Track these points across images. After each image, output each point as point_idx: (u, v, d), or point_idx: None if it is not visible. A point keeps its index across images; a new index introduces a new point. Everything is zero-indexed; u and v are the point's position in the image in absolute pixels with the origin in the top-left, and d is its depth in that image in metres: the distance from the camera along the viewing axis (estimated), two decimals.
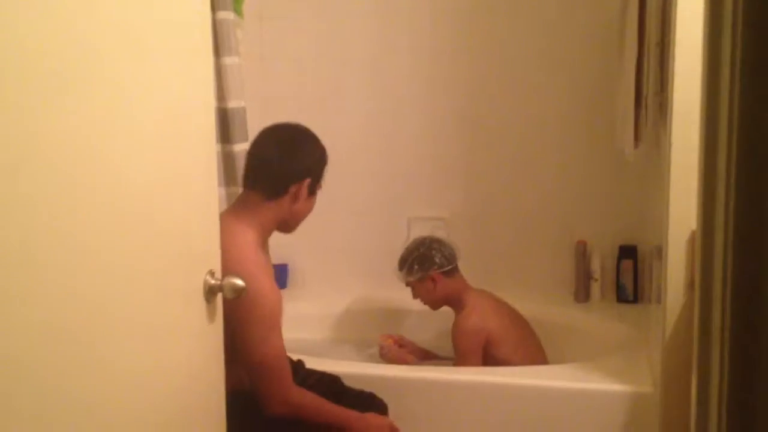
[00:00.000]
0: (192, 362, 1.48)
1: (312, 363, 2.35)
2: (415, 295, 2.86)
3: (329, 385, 2.23)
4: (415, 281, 2.80)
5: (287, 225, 2.11)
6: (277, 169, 2.05)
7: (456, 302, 2.79)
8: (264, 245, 2.08)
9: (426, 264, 2.78)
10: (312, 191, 2.09)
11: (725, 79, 0.70)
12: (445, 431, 2.46)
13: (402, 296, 3.30)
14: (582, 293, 3.17)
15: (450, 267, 2.79)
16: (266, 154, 2.08)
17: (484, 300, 2.78)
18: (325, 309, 3.20)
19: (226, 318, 1.86)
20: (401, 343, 2.96)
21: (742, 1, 0.65)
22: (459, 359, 2.69)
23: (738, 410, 0.69)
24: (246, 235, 1.99)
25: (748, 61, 0.65)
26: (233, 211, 2.07)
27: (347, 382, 2.31)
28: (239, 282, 1.54)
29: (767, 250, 0.65)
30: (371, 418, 2.10)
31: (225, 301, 1.83)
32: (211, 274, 1.52)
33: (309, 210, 2.12)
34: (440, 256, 2.79)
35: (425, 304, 2.85)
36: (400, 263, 2.84)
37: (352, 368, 2.50)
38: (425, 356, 2.98)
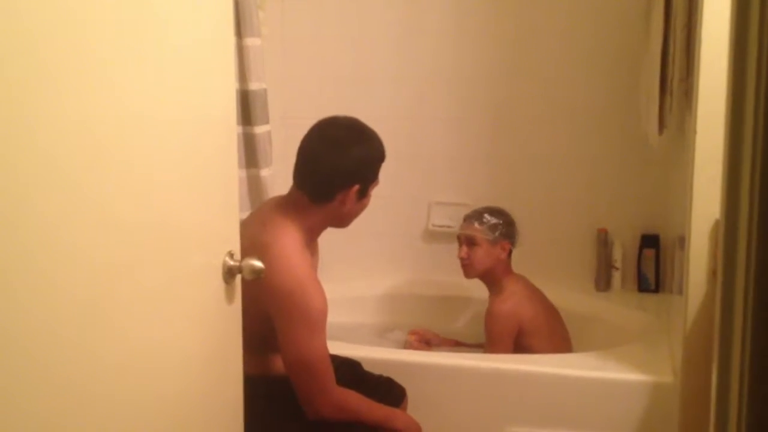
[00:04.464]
0: (209, 343, 1.48)
1: (332, 347, 2.36)
2: (471, 252, 2.74)
3: (349, 370, 2.23)
4: (486, 239, 2.72)
5: (340, 224, 2.08)
6: (323, 174, 1.99)
7: (496, 281, 2.76)
8: (310, 243, 2.05)
9: (509, 231, 2.75)
10: (363, 194, 2.02)
11: (752, 65, 0.68)
12: (463, 417, 2.46)
13: (419, 280, 3.31)
14: (603, 282, 3.15)
15: (514, 248, 2.78)
16: (313, 152, 2.01)
17: (522, 287, 2.76)
18: (345, 292, 3.20)
19: (264, 311, 1.88)
20: (427, 337, 2.94)
21: None
22: (489, 344, 2.69)
23: (759, 401, 0.68)
24: (293, 236, 1.96)
25: None
26: (282, 208, 2.03)
27: (366, 367, 2.31)
28: (258, 264, 1.53)
29: None
30: (408, 417, 2.09)
31: (269, 299, 1.86)
32: (230, 255, 1.52)
33: (362, 208, 2.06)
34: (518, 232, 2.79)
35: (468, 265, 2.75)
36: (477, 216, 2.76)
37: (372, 353, 2.50)
38: (453, 346, 2.97)
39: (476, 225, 2.74)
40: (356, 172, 1.99)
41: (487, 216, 2.75)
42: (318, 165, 2.00)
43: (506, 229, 2.74)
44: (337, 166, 1.98)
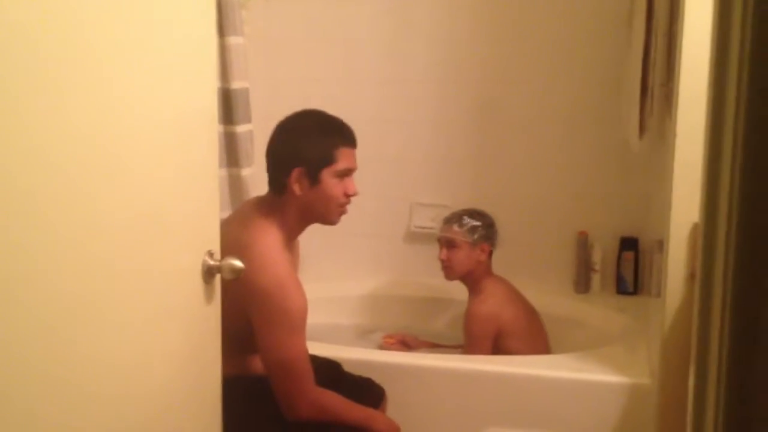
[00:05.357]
0: (188, 342, 1.48)
1: (312, 348, 2.35)
2: (449, 255, 2.74)
3: (329, 371, 2.22)
4: (466, 241, 2.72)
5: (319, 217, 2.05)
6: (271, 164, 2.03)
7: (476, 283, 2.76)
8: (289, 243, 2.04)
9: (488, 233, 2.75)
10: (314, 179, 1.98)
11: (733, 71, 0.69)
12: (442, 418, 2.46)
13: (398, 280, 3.31)
14: (582, 284, 3.17)
15: (494, 249, 2.79)
16: (268, 146, 2.06)
17: (502, 289, 2.77)
18: (326, 292, 3.20)
19: (243, 311, 1.87)
20: (404, 341, 2.94)
21: None
22: (468, 344, 2.69)
23: (735, 404, 0.69)
24: (273, 236, 1.96)
25: (756, 52, 0.64)
26: (261, 208, 2.03)
27: (347, 368, 2.30)
28: (238, 263, 1.53)
29: None
30: (387, 418, 2.09)
31: (248, 298, 1.85)
32: (210, 254, 1.52)
33: (328, 196, 2.00)
34: (498, 234, 2.79)
35: (448, 267, 2.76)
36: (457, 218, 2.76)
37: (352, 354, 2.50)
38: (431, 348, 2.97)
39: (456, 227, 2.74)
40: (296, 155, 1.98)
41: (466, 218, 2.75)
42: (268, 157, 2.04)
43: (486, 231, 2.75)
44: (280, 152, 2.01)
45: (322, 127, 2.04)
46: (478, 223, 2.74)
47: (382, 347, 2.92)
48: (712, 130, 0.73)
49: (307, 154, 1.98)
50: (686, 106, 1.97)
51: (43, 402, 1.05)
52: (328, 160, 1.99)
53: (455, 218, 2.77)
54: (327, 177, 2.00)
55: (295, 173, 1.97)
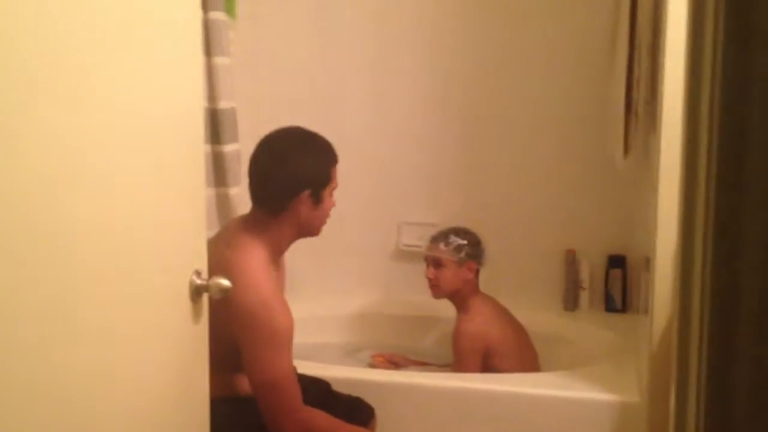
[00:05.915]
0: (175, 362, 1.47)
1: (300, 367, 2.34)
2: (435, 273, 2.74)
3: (317, 390, 2.22)
4: (452, 260, 2.72)
5: (308, 232, 2.07)
6: (274, 186, 2.00)
7: (463, 301, 2.76)
8: (276, 260, 2.05)
9: (474, 252, 2.75)
10: (317, 199, 2.01)
11: (706, 87, 0.70)
12: None
13: (386, 299, 3.31)
14: (570, 302, 3.17)
15: (481, 267, 2.79)
16: (261, 167, 2.03)
17: (489, 307, 2.77)
18: (314, 311, 3.19)
19: (229, 330, 1.86)
20: (393, 360, 2.94)
21: (723, 11, 0.65)
22: (457, 362, 2.69)
23: (716, 422, 0.69)
24: (259, 255, 1.95)
25: (726, 69, 0.65)
26: (246, 226, 2.02)
27: (335, 387, 2.29)
28: (225, 282, 1.53)
29: (744, 263, 0.65)
30: None
31: (234, 318, 1.85)
32: (198, 274, 1.51)
33: (325, 214, 2.05)
34: (484, 252, 2.79)
35: (435, 286, 2.76)
36: (443, 237, 2.76)
37: (340, 372, 2.49)
38: (421, 367, 2.96)
39: (442, 246, 2.75)
40: (303, 178, 1.99)
41: (452, 237, 2.76)
42: (267, 178, 2.01)
43: (472, 249, 2.75)
44: (284, 175, 1.99)
45: (318, 147, 2.05)
46: (464, 242, 2.74)
47: (371, 365, 2.91)
48: (688, 147, 0.74)
49: (312, 177, 2.01)
50: (670, 123, 1.99)
51: (26, 420, 1.04)
52: (328, 180, 2.04)
53: (441, 237, 2.77)
54: (326, 196, 2.04)
55: (304, 196, 1.99)
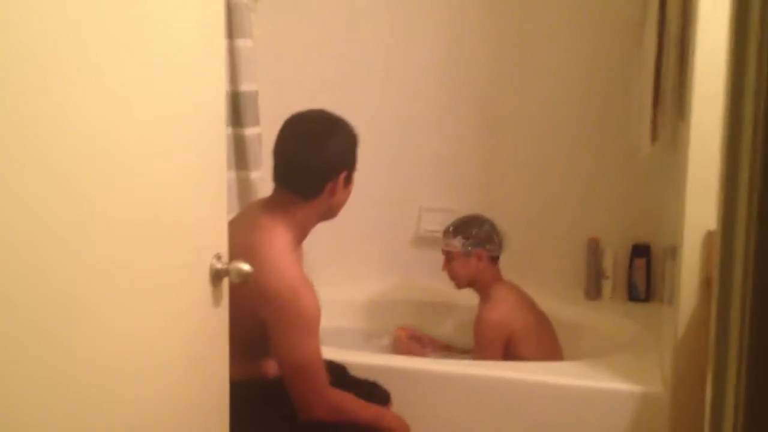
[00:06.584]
0: (196, 347, 1.46)
1: None
2: (449, 266, 2.76)
3: (334, 374, 2.21)
4: (460, 252, 2.73)
5: (330, 215, 2.08)
6: (310, 169, 1.99)
7: (484, 289, 2.75)
8: (299, 244, 2.05)
9: (482, 241, 2.73)
10: (349, 180, 2.04)
11: (751, 76, 0.67)
12: (449, 424, 2.44)
13: (405, 284, 3.29)
14: (593, 291, 3.14)
15: (497, 254, 2.76)
16: (294, 151, 2.01)
17: (512, 295, 2.75)
18: (333, 296, 3.18)
19: (254, 314, 1.87)
20: (416, 336, 2.93)
21: None
22: (477, 350, 2.67)
23: (755, 416, 0.67)
24: (284, 238, 1.95)
25: None
26: (269, 210, 2.01)
27: (352, 372, 2.29)
28: (246, 267, 1.52)
29: None
30: (397, 415, 2.10)
31: (261, 303, 1.87)
32: (218, 257, 1.50)
33: (348, 195, 2.08)
34: (497, 239, 2.76)
35: (453, 278, 2.77)
36: (454, 230, 2.76)
37: (357, 357, 2.48)
38: (443, 349, 2.95)
39: (448, 239, 2.76)
40: (341, 160, 2.01)
41: (456, 228, 2.76)
42: (302, 162, 1.99)
43: (478, 237, 2.73)
44: (322, 159, 1.98)
45: (345, 129, 2.05)
46: (468, 232, 2.74)
47: (395, 336, 2.91)
48: (731, 135, 0.71)
49: (345, 160, 2.02)
50: (700, 111, 1.95)
51: (47, 407, 1.03)
52: (356, 161, 2.06)
53: (447, 230, 2.79)
54: (352, 177, 2.06)
55: (341, 177, 2.00)
